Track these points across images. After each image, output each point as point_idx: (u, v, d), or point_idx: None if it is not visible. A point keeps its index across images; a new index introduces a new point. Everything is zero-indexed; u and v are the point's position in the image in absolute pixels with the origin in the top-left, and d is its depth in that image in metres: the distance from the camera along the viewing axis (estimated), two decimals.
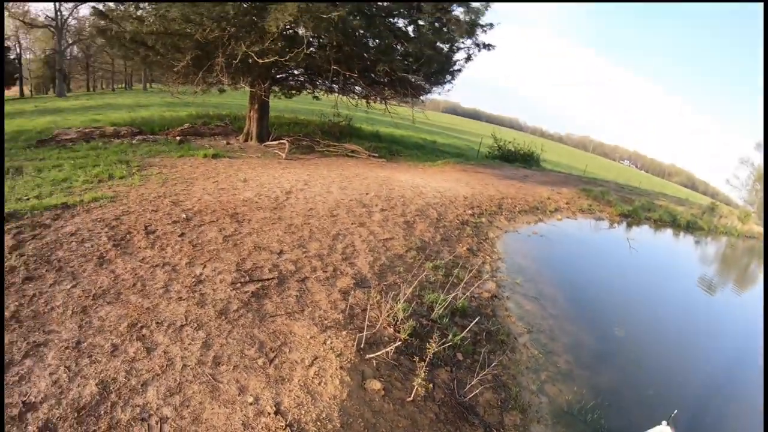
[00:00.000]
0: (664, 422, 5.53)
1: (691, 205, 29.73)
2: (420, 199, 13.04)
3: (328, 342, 5.51)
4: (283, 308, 6.18)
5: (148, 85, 66.84)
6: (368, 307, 6.47)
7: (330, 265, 7.65)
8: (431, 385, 5.35)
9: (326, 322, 5.97)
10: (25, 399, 4.16)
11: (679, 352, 8.82)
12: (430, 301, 7.05)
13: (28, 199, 8.88)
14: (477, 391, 5.63)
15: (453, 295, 7.11)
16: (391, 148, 23.46)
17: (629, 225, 18.56)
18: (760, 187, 51.62)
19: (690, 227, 21.47)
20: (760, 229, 27.48)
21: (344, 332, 5.73)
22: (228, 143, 18.56)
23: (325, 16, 12.97)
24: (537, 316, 8.45)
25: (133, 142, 16.43)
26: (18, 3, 43.87)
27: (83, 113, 23.07)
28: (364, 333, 5.62)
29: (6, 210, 7.95)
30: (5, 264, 6.35)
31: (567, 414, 6.27)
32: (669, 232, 20.18)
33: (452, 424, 5.12)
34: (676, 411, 5.70)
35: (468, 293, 7.64)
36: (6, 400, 4.12)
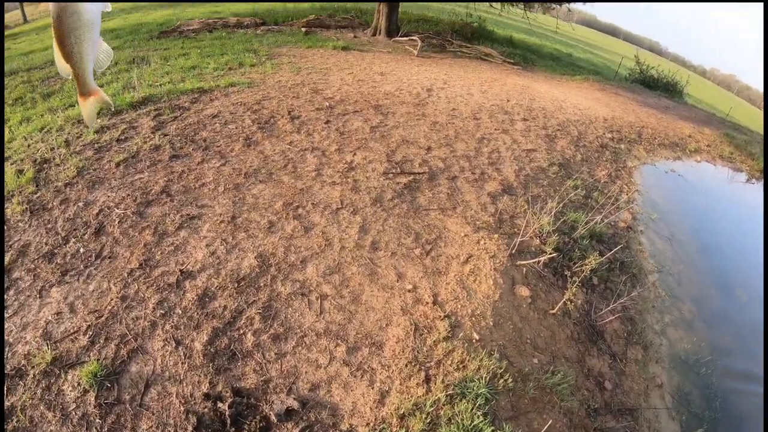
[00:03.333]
0: None
1: None
2: (560, 113, 12.58)
3: (482, 242, 5.66)
4: (436, 203, 6.35)
5: None
6: (515, 215, 6.55)
7: (477, 167, 7.69)
8: (572, 303, 5.47)
9: (478, 222, 6.11)
10: (182, 268, 4.53)
11: None
12: (572, 219, 7.02)
13: (160, 85, 9.20)
14: (608, 318, 5.70)
15: (595, 218, 7.04)
16: (525, 56, 22.38)
17: None
18: None
19: None
20: None
21: (496, 235, 5.85)
22: (355, 36, 18.36)
23: None
24: (667, 258, 8.24)
25: (258, 32, 16.55)
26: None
27: (202, 5, 23.24)
28: (518, 239, 5.73)
29: (140, 94, 8.30)
30: (149, 143, 6.73)
31: (683, 362, 6.27)
32: None
33: (583, 345, 5.25)
34: None
35: (607, 220, 7.54)
36: (162, 268, 4.49)
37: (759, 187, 16.23)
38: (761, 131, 36.32)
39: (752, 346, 7.34)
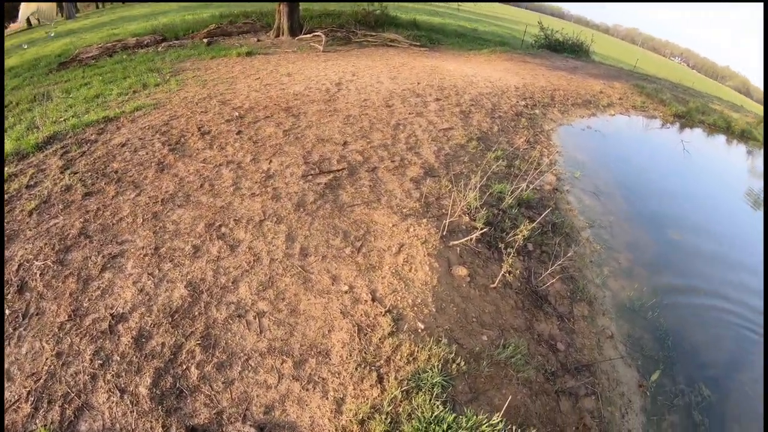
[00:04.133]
0: None
1: (746, 112, 28.49)
2: (472, 88, 12.65)
3: (411, 230, 5.54)
4: (359, 198, 6.19)
5: None
6: (440, 196, 6.46)
7: (396, 154, 7.57)
8: (511, 274, 5.42)
9: (404, 210, 5.98)
10: (113, 311, 4.24)
11: (733, 260, 8.74)
12: (498, 191, 7.00)
13: (64, 120, 8.69)
14: (549, 282, 5.70)
15: (520, 186, 7.04)
16: (431, 37, 22.54)
17: (682, 126, 17.92)
18: None
19: (744, 136, 20.65)
20: None
21: (424, 220, 5.74)
22: (259, 40, 18.05)
23: None
24: (597, 212, 8.39)
25: (159, 49, 16.03)
26: None
27: (99, 30, 22.38)
28: (447, 220, 5.63)
29: (44, 133, 7.84)
30: (59, 184, 6.31)
31: (629, 309, 6.37)
32: (722, 138, 19.47)
33: (529, 312, 5.23)
34: None
35: (532, 185, 7.57)
36: (92, 315, 4.20)
37: (673, 130, 16.89)
38: (668, 78, 37.97)
39: (693, 278, 7.56)
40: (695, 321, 6.63)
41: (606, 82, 18.35)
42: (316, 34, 18.05)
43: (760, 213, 12.68)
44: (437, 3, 19.39)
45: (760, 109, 43.36)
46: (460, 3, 18.67)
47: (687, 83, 38.64)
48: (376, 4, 23.33)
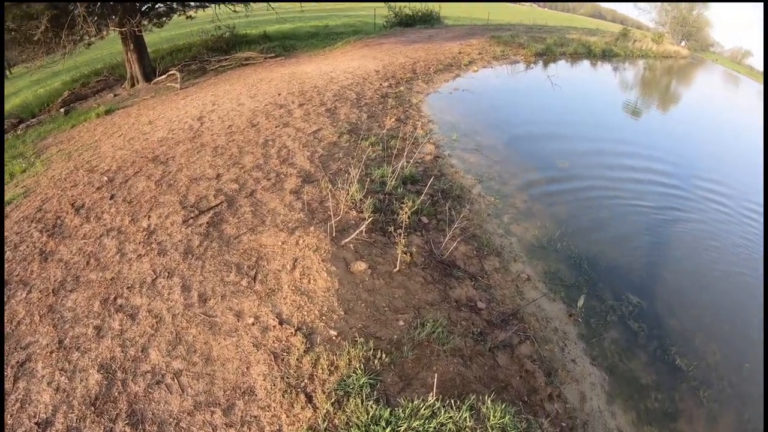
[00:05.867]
0: None
1: (603, 34, 30.10)
2: (333, 84, 12.63)
3: (301, 241, 5.43)
4: (244, 226, 6.01)
5: (8, 72, 59.80)
6: (323, 199, 6.37)
7: (271, 171, 7.41)
8: (409, 253, 5.40)
9: (290, 224, 5.85)
10: (36, 420, 4.00)
11: (619, 174, 9.19)
12: (379, 176, 6.99)
13: None
14: (452, 247, 5.74)
15: (399, 164, 7.06)
16: (284, 44, 22.41)
17: (546, 63, 18.69)
18: (669, 7, 51.44)
19: (606, 55, 21.82)
20: (676, 48, 28.32)
21: (311, 228, 5.64)
22: (115, 95, 17.36)
23: None
24: (482, 166, 8.57)
25: (18, 132, 15.10)
26: None
27: None
28: (332, 221, 5.56)
29: None
30: None
31: (538, 248, 6.56)
32: (586, 63, 20.47)
33: (440, 283, 5.25)
34: None
35: (412, 160, 7.61)
36: (19, 430, 3.94)
37: (537, 68, 17.56)
38: (523, 22, 39.51)
39: (589, 199, 7.86)
40: (606, 243, 6.89)
41: (463, 41, 18.88)
42: (170, 73, 17.49)
43: (639, 122, 13.45)
44: (283, 9, 19.29)
45: (616, 27, 46.01)
46: (303, 4, 18.65)
47: (541, 22, 40.40)
48: (223, 27, 22.89)
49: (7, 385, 4.38)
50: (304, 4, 19.26)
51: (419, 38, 20.41)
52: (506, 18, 46.85)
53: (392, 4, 29.37)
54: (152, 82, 17.72)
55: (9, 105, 21.11)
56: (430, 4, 30.03)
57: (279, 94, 11.98)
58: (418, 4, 29.80)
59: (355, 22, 35.40)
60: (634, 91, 18.08)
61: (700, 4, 50.17)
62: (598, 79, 18.89)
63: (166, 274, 5.38)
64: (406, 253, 5.30)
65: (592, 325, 5.37)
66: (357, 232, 5.39)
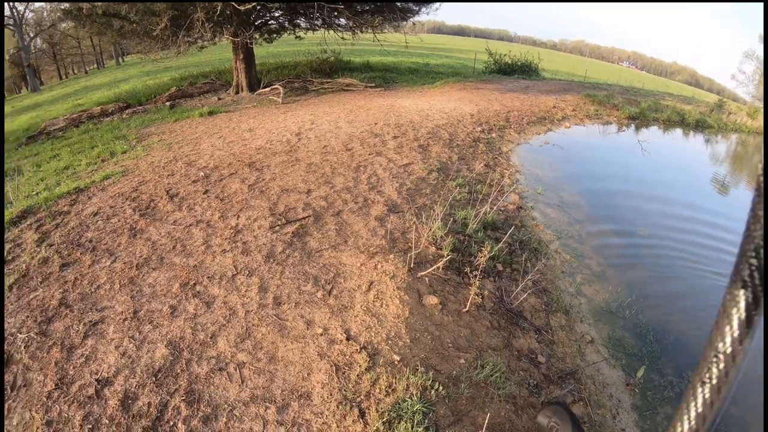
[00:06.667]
0: None
1: (698, 103, 29.27)
2: (428, 122, 12.97)
3: (379, 266, 5.66)
4: (327, 242, 6.31)
5: (121, 59, 64.75)
6: (406, 230, 6.61)
7: (359, 195, 7.73)
8: (481, 296, 5.54)
9: (371, 249, 6.11)
10: (98, 377, 4.27)
11: (701, 248, 8.97)
12: (462, 217, 7.17)
13: (36, 193, 8.82)
14: (522, 297, 5.82)
15: (483, 210, 7.22)
16: (385, 76, 23.08)
17: (638, 127, 18.42)
18: None
19: (699, 126, 21.22)
20: None
21: (391, 255, 5.87)
22: (219, 98, 18.37)
23: None
24: (563, 223, 8.60)
25: (124, 116, 16.25)
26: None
27: (64, 101, 22.69)
28: (412, 252, 5.76)
29: (18, 208, 7.94)
30: (36, 257, 6.40)
31: (606, 312, 6.51)
32: (678, 131, 20.03)
33: (505, 330, 5.32)
34: None
35: (495, 207, 7.75)
36: (79, 383, 4.24)
37: (630, 132, 17.33)
38: (619, 83, 38.95)
39: (665, 270, 7.71)
40: (676, 316, 6.76)
41: (558, 96, 18.87)
42: (274, 87, 18.39)
43: (728, 197, 13.01)
44: (386, 42, 19.92)
45: (711, 97, 44.52)
46: (408, 40, 19.25)
47: (637, 85, 39.67)
48: (329, 51, 23.89)
49: (76, 340, 4.73)
50: (409, 40, 19.70)
51: (516, 87, 20.58)
52: (603, 77, 46.22)
53: (493, 50, 29.74)
54: (255, 93, 18.65)
55: (119, 90, 22.68)
56: (530, 55, 30.20)
57: (375, 124, 12.42)
58: (518, 54, 30.02)
59: (455, 64, 36.06)
60: (725, 165, 17.48)
61: None
62: (688, 149, 18.37)
63: (247, 272, 5.71)
64: (477, 296, 5.45)
65: (649, 397, 5.29)
66: (434, 267, 5.59)
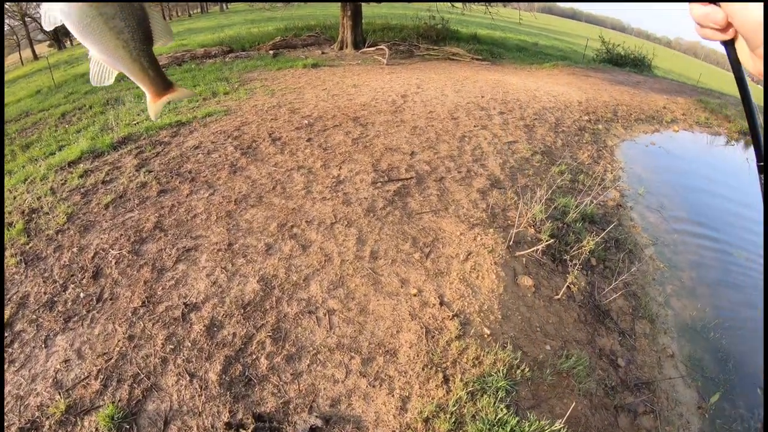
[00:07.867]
0: None
1: None
2: (535, 102, 12.70)
3: (479, 239, 5.69)
4: (428, 206, 6.39)
5: (225, 5, 65.99)
6: (506, 207, 6.60)
7: (462, 166, 7.74)
8: (575, 287, 5.51)
9: (471, 220, 6.15)
10: (186, 300, 4.52)
11: None
12: (562, 204, 7.07)
13: (137, 123, 9.22)
14: (612, 297, 5.74)
15: (584, 201, 7.10)
16: (492, 51, 22.58)
17: (748, 144, 17.35)
18: None
19: None
20: None
21: (491, 230, 5.88)
22: (323, 53, 18.54)
23: None
24: (661, 230, 8.33)
25: (226, 60, 16.65)
26: None
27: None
28: (513, 231, 5.77)
29: (119, 134, 8.32)
30: (135, 180, 6.74)
31: (691, 329, 6.33)
32: None
33: (591, 326, 5.29)
34: None
35: (596, 200, 7.60)
36: (165, 304, 4.50)
37: (739, 147, 16.40)
38: (734, 93, 36.56)
39: (756, 302, 7.41)
40: (761, 350, 6.52)
41: (669, 97, 18.00)
42: (379, 47, 18.38)
43: None
44: (497, 16, 19.47)
45: None
46: (521, 16, 18.73)
47: (756, 101, 37.11)
48: (437, 18, 23.55)
49: (168, 263, 5.00)
50: (522, 17, 19.21)
51: (626, 81, 19.72)
52: (717, 85, 43.50)
53: (607, 39, 28.52)
54: (360, 51, 18.72)
55: (222, 34, 23.19)
56: (644, 50, 28.79)
57: (482, 97, 12.29)
58: (632, 46, 28.69)
59: (564, 48, 34.89)
60: None
61: None
62: None
63: (346, 222, 5.87)
64: (571, 286, 5.43)
65: (717, 425, 5.14)
66: (533, 249, 5.57)
